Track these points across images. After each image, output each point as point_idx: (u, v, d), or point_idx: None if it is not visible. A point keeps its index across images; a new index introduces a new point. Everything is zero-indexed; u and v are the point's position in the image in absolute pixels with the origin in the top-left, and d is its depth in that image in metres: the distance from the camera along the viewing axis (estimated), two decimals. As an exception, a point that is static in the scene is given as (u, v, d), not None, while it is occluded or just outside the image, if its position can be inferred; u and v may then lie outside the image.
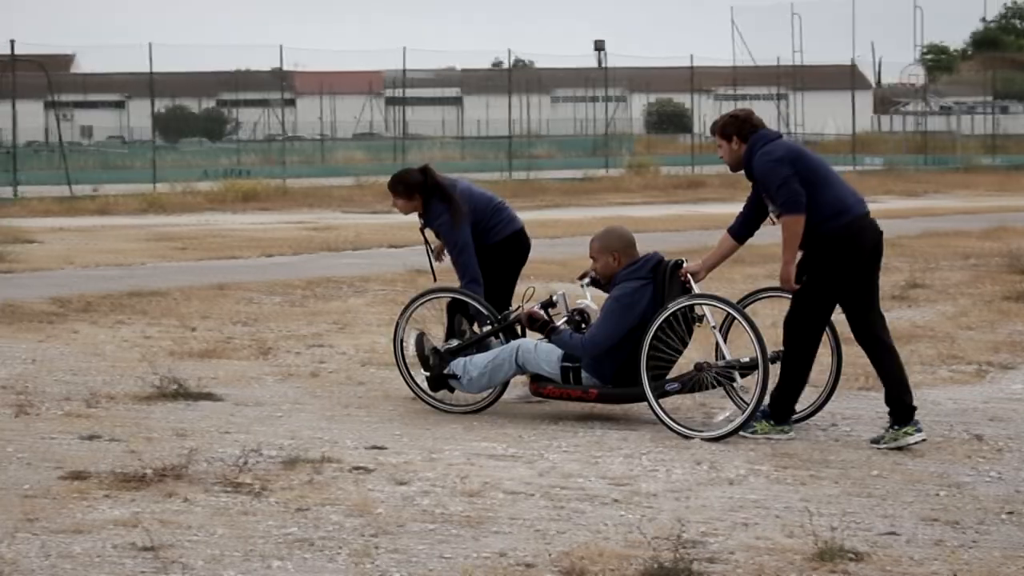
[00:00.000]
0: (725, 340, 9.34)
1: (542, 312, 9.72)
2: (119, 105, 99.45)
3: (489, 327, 10.02)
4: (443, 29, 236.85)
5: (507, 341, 9.89)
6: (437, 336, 10.45)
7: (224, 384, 10.86)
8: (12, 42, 44.43)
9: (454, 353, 9.95)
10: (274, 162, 55.26)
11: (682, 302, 9.14)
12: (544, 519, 7.11)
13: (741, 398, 9.29)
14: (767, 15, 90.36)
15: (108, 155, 64.39)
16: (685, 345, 9.37)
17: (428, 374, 9.99)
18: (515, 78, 64.41)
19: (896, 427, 8.76)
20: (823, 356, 9.31)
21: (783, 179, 8.77)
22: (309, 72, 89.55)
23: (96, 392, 10.53)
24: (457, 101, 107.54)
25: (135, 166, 55.05)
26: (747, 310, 9.24)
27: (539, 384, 9.65)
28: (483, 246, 10.39)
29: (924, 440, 8.75)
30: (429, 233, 10.60)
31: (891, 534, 6.84)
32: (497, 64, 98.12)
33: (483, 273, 10.30)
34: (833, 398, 9.53)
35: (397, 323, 10.48)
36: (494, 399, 9.92)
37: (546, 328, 9.63)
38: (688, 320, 9.27)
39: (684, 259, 9.51)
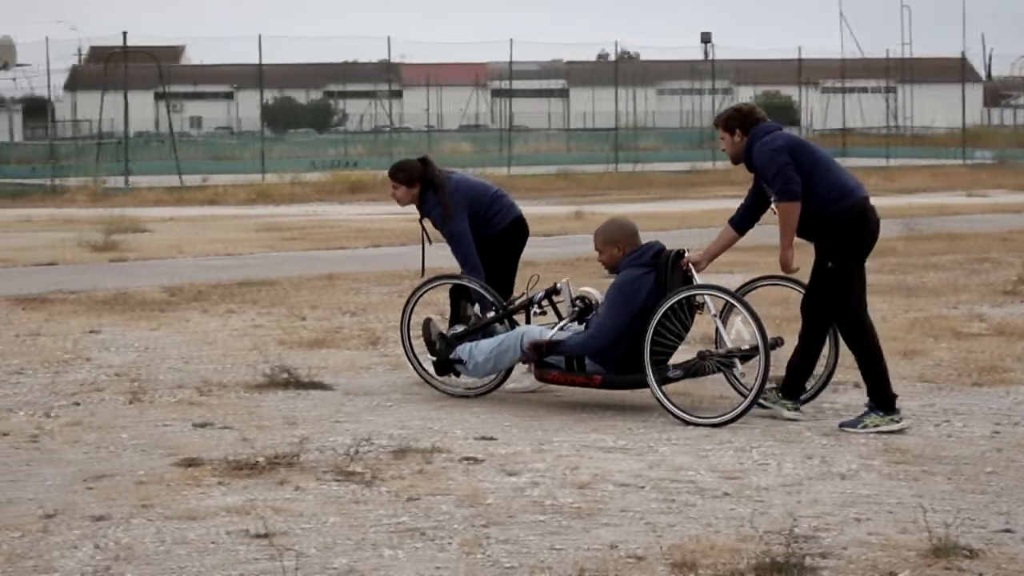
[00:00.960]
0: (725, 327, 9.49)
1: (541, 342, 9.70)
2: (228, 96, 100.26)
3: (492, 314, 10.19)
4: (549, 21, 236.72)
5: (511, 327, 10.08)
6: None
7: (334, 373, 10.93)
8: (124, 34, 44.93)
9: (459, 339, 10.15)
10: (381, 153, 55.54)
11: (683, 292, 9.31)
12: (654, 512, 7.09)
13: (742, 384, 9.45)
14: (876, 7, 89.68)
15: (217, 146, 65.01)
16: (687, 331, 9.54)
17: (435, 359, 10.17)
18: (621, 70, 64.25)
19: (876, 414, 8.97)
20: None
21: (780, 167, 9.04)
22: (416, 64, 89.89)
23: (208, 380, 10.63)
24: (563, 93, 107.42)
25: (243, 157, 55.52)
26: (746, 298, 9.40)
27: (544, 370, 9.77)
28: (485, 237, 10.55)
29: (908, 427, 8.91)
30: (428, 225, 10.72)
31: (1006, 531, 6.75)
32: (603, 56, 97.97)
33: (486, 262, 10.47)
34: (945, 394, 9.43)
35: (403, 311, 10.72)
36: (497, 384, 10.13)
37: (551, 349, 9.68)
38: (690, 309, 9.44)
39: (686, 249, 9.66)
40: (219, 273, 18.01)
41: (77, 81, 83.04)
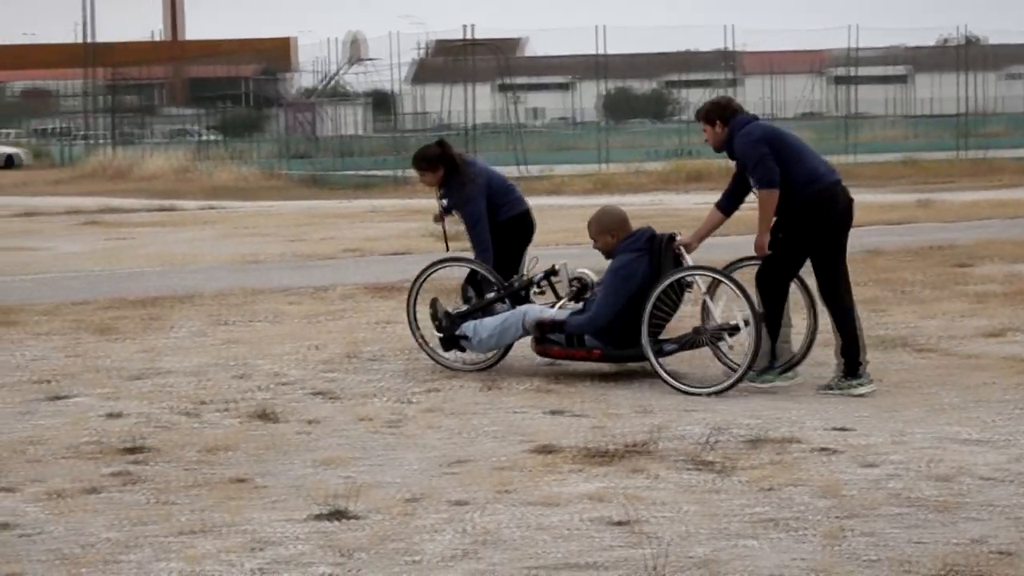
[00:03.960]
0: (712, 301, 10.20)
1: (547, 319, 10.41)
2: (567, 87, 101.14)
3: (494, 294, 10.88)
4: (889, 6, 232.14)
5: (513, 307, 10.70)
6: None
7: (684, 362, 10.91)
8: (470, 27, 45.76)
9: (463, 316, 10.79)
10: (717, 142, 55.13)
11: (679, 273, 10.05)
12: (1020, 507, 6.88)
13: (729, 358, 10.13)
14: None
15: (557, 136, 65.62)
16: (677, 309, 10.31)
17: (441, 335, 10.79)
18: (964, 55, 62.54)
19: (847, 379, 9.72)
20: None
21: (760, 157, 9.77)
22: (755, 52, 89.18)
23: (558, 368, 10.73)
24: (904, 79, 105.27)
25: (583, 147, 55.92)
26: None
27: (545, 346, 10.48)
28: (493, 222, 11.15)
29: (874, 392, 9.62)
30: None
31: None
32: (945, 41, 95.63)
33: (494, 246, 11.08)
34: None
35: (410, 290, 11.35)
36: (498, 359, 10.79)
37: (554, 327, 10.37)
38: (680, 288, 10.18)
39: (677, 232, 10.42)
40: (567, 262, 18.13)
41: (421, 74, 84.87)
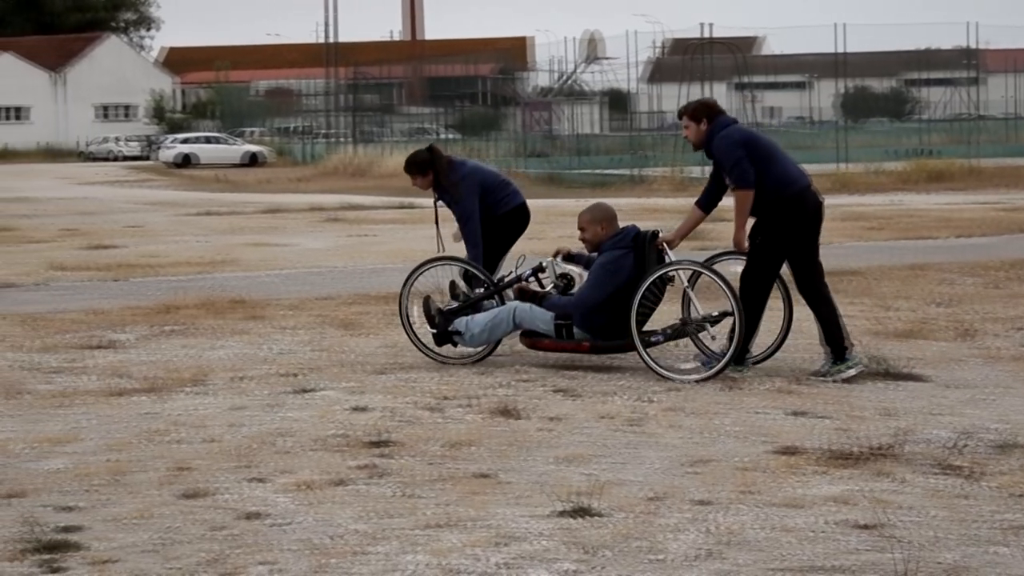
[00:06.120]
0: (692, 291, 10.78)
1: (532, 286, 11.15)
2: (804, 86, 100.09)
3: (483, 291, 11.41)
4: None
5: (502, 303, 11.25)
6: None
7: (927, 365, 10.75)
8: (707, 25, 45.58)
9: (455, 313, 11.26)
10: (960, 141, 54.16)
11: (666, 268, 10.64)
12: None
13: (708, 347, 10.76)
14: None
15: (794, 135, 64.96)
16: (659, 302, 10.84)
17: (434, 331, 11.21)
18: None
19: (836, 364, 10.30)
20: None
21: (736, 159, 10.39)
22: (999, 50, 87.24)
23: (800, 369, 10.65)
24: None
25: (820, 146, 55.25)
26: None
27: (535, 339, 10.96)
28: (491, 216, 11.69)
29: (864, 370, 10.25)
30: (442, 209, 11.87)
31: None
32: None
33: (487, 238, 11.61)
34: None
35: (402, 289, 11.77)
36: (488, 353, 11.22)
37: (536, 298, 10.98)
38: (662, 282, 10.74)
39: (660, 230, 10.99)
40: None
41: (657, 73, 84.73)
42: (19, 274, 18.39)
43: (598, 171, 45.37)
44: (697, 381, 10.25)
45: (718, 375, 10.27)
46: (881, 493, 7.17)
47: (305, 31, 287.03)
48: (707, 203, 10.82)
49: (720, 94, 69.91)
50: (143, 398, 10.01)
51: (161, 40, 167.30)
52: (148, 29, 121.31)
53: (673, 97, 54.01)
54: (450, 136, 66.07)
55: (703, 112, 10.69)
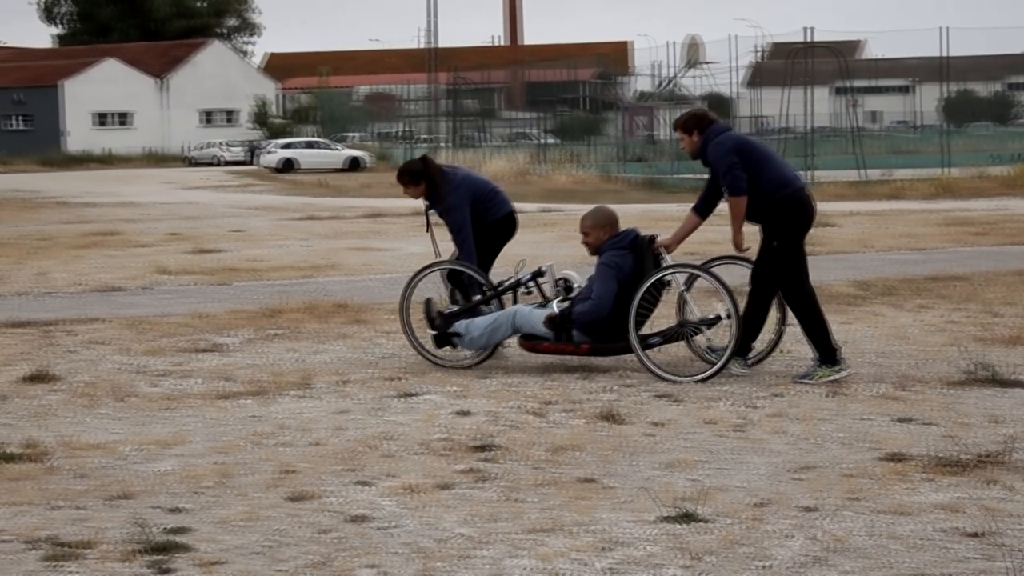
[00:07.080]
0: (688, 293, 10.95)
1: (554, 314, 10.99)
2: (906, 90, 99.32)
3: (480, 295, 11.55)
4: None
5: (501, 307, 11.50)
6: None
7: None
8: (809, 30, 45.22)
9: (455, 316, 11.42)
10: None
11: (663, 272, 10.83)
12: None
13: (703, 350, 10.94)
14: None
15: (896, 140, 64.48)
16: (656, 305, 10.98)
17: (434, 333, 11.37)
18: None
19: (824, 366, 10.45)
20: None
21: (729, 166, 10.61)
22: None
23: (905, 375, 10.57)
24: None
25: (923, 151, 54.78)
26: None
27: (534, 342, 11.11)
28: (481, 223, 11.90)
29: (852, 374, 10.42)
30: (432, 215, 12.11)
31: None
32: None
33: (478, 243, 11.82)
34: None
35: (403, 293, 11.93)
36: (487, 356, 11.35)
37: (564, 320, 10.94)
38: (660, 285, 10.90)
39: (657, 234, 11.12)
40: (907, 268, 17.87)
41: (758, 77, 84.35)
42: (125, 278, 18.61)
43: (699, 175, 45.19)
44: (697, 381, 10.40)
45: (718, 375, 10.46)
46: (990, 501, 7.10)
47: (407, 37, 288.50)
48: (704, 209, 10.99)
49: (822, 98, 69.55)
50: (248, 401, 10.10)
51: (263, 46, 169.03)
52: (251, 35, 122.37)
53: (775, 101, 53.79)
54: (549, 141, 66.06)
55: (693, 123, 10.88)
